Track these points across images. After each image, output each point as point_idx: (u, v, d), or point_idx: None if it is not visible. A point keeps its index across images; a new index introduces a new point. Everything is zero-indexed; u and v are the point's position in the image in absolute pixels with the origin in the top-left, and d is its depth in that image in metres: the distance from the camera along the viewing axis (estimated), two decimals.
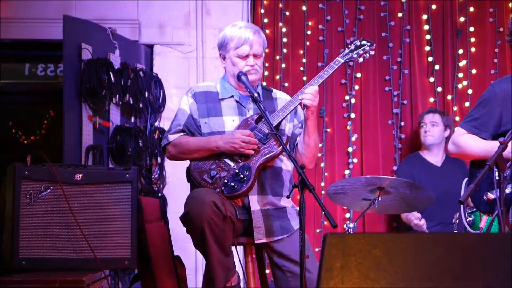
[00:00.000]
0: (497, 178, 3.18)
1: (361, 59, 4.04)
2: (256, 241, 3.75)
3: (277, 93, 4.11)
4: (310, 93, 3.77)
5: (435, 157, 6.00)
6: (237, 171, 3.68)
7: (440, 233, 2.07)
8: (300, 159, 3.91)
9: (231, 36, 3.90)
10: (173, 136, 3.89)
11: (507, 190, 3.59)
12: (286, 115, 3.80)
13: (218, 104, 3.92)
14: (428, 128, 5.94)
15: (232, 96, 3.93)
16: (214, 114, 3.89)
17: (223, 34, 3.96)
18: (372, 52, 4.06)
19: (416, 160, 6.04)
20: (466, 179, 4.84)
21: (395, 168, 6.29)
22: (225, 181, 3.66)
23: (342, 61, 3.97)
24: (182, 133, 3.90)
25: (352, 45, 4.04)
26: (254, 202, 3.76)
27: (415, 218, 5.57)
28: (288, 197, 3.73)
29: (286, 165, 3.90)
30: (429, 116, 5.98)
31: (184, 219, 3.61)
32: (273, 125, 3.66)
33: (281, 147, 3.66)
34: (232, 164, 3.71)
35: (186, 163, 3.90)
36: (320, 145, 6.26)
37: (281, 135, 3.78)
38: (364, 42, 4.05)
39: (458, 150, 3.92)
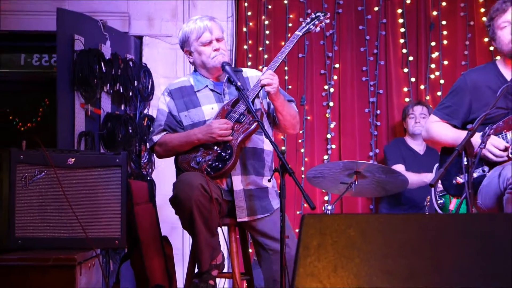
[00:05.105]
0: (466, 163, 3.21)
1: (318, 29, 4.03)
2: (238, 220, 3.76)
3: (247, 72, 4.09)
4: (267, 78, 3.73)
5: (418, 146, 6.02)
6: (219, 151, 3.69)
7: (411, 214, 2.09)
8: (282, 129, 3.95)
9: (190, 30, 3.90)
10: (156, 137, 3.90)
11: (475, 175, 3.61)
12: (256, 95, 3.76)
13: (194, 96, 3.90)
14: (418, 120, 5.95)
15: (207, 86, 3.92)
16: (193, 106, 3.87)
17: (181, 32, 3.96)
18: (327, 21, 4.08)
19: (401, 144, 6.06)
20: (437, 164, 4.88)
21: (371, 154, 6.32)
22: (210, 163, 3.67)
23: (301, 33, 3.99)
24: (164, 132, 3.90)
25: (308, 18, 4.05)
26: (238, 182, 3.76)
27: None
28: (269, 180, 3.74)
29: (267, 145, 3.89)
30: (419, 108, 6.01)
31: (174, 201, 3.61)
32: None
33: (256, 123, 3.66)
34: (215, 147, 3.72)
35: None
36: (301, 131, 6.28)
37: (256, 112, 3.73)
38: (318, 13, 4.06)
39: (429, 136, 3.95)
